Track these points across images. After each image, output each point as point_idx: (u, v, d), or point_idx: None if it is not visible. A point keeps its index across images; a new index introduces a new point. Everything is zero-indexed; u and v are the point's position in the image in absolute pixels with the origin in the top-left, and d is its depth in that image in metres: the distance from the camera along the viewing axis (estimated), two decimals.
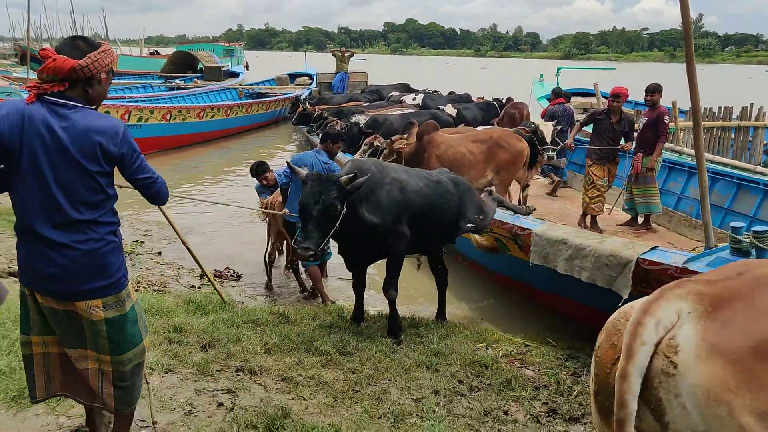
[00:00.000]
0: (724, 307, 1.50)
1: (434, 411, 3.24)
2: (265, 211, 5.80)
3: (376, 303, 5.69)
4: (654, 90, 7.29)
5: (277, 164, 12.07)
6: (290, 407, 3.09)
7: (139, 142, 9.90)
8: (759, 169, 7.57)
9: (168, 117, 13.05)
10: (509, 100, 12.01)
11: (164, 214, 4.40)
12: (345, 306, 5.21)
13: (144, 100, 14.35)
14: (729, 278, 1.59)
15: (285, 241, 6.15)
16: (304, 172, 4.05)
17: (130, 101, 13.79)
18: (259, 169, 6.28)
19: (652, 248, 3.96)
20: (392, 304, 4.51)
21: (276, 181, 6.31)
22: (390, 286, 4.50)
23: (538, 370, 4.07)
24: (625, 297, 3.89)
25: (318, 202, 3.82)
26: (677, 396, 1.46)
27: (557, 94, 9.97)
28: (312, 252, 3.80)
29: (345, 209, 3.93)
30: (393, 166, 4.65)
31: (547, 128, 7.58)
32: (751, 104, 10.53)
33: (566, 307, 5.02)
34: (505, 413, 3.40)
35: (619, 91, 7.15)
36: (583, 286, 4.21)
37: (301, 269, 6.07)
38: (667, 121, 6.97)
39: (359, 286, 4.76)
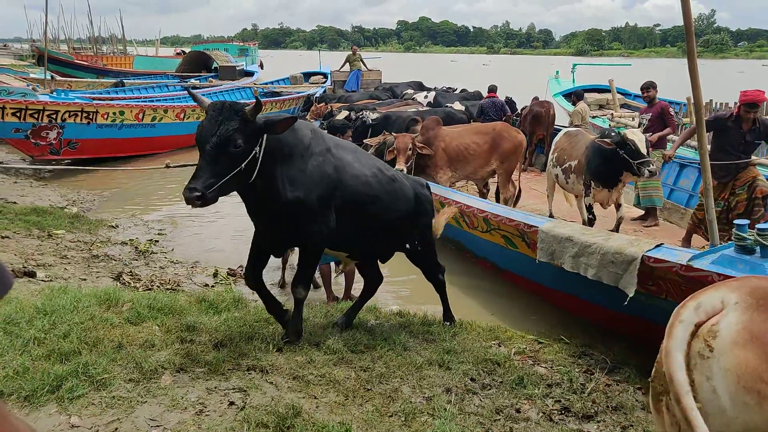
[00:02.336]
0: None
1: (445, 409, 3.22)
2: None
3: (388, 301, 5.69)
4: (648, 87, 7.56)
5: None
6: (301, 406, 3.09)
7: (154, 141, 10.20)
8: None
9: (182, 116, 13.18)
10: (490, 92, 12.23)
11: None
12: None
13: (158, 100, 14.48)
14: None
15: None
16: (207, 101, 3.52)
17: (145, 101, 13.92)
18: None
19: (657, 245, 3.94)
20: (298, 303, 3.93)
21: None
22: (300, 283, 3.88)
23: (551, 367, 4.03)
24: (631, 294, 3.87)
25: (215, 135, 3.20)
26: (709, 378, 1.50)
27: (490, 90, 11.06)
28: (198, 194, 3.11)
29: (259, 156, 3.30)
30: (338, 140, 4.09)
31: (638, 136, 6.10)
32: None
33: (574, 305, 4.99)
34: (518, 411, 3.37)
35: (755, 99, 5.57)
36: (589, 284, 4.17)
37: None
38: (672, 113, 7.13)
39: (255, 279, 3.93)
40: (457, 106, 11.26)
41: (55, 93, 12.51)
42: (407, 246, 4.41)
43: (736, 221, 3.56)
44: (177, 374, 3.33)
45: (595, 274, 4.12)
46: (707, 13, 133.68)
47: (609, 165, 6.13)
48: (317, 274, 5.98)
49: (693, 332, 1.61)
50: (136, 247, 6.60)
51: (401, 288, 6.18)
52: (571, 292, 4.81)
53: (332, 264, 5.67)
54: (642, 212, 7.50)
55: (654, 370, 1.74)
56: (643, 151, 5.93)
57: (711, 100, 10.74)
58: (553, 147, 7.27)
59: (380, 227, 4.09)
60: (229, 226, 7.94)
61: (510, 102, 11.82)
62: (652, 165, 5.94)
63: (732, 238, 3.47)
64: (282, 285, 6.01)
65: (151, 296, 4.49)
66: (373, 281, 4.66)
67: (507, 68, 52.55)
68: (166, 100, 14.74)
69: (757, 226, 3.40)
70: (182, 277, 5.91)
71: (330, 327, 4.38)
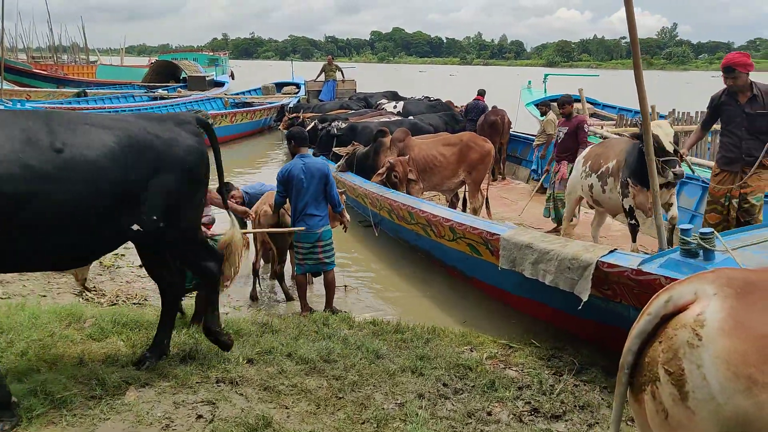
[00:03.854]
0: (754, 291, 1.59)
1: (417, 414, 3.22)
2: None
3: (362, 310, 5.67)
4: (564, 102, 7.58)
5: (262, 173, 12.06)
6: (272, 416, 3.05)
7: None
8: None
9: None
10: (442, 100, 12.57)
11: None
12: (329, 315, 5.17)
13: (123, 111, 14.25)
14: (764, 270, 1.73)
15: (270, 251, 6.10)
16: None
17: (109, 111, 13.66)
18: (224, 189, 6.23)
19: (611, 251, 4.01)
20: None
21: (243, 198, 6.30)
22: None
23: (522, 370, 4.07)
24: (585, 299, 3.92)
25: None
26: (699, 366, 1.53)
27: (479, 93, 12.05)
28: None
29: None
30: None
31: (664, 129, 5.33)
32: None
33: (538, 311, 5.05)
34: (489, 414, 3.39)
35: (728, 61, 4.89)
36: (551, 289, 4.23)
37: (287, 277, 6.03)
38: (586, 130, 7.14)
39: None
40: (389, 107, 11.73)
41: (10, 103, 12.13)
42: (137, 228, 3.15)
43: (680, 226, 3.66)
44: (142, 389, 3.26)
45: (552, 280, 4.18)
46: (670, 27, 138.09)
47: (642, 161, 5.00)
48: (291, 284, 5.93)
49: (657, 324, 1.70)
50: (100, 262, 6.45)
51: (373, 295, 6.17)
52: (534, 297, 4.87)
53: (308, 275, 5.63)
54: (554, 225, 7.52)
55: (634, 365, 1.79)
56: (668, 147, 5.18)
57: (674, 109, 11.05)
58: (583, 159, 6.53)
59: (50, 222, 2.87)
60: None
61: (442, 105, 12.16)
62: (679, 166, 5.19)
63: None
64: (253, 297, 5.93)
65: (115, 311, 4.40)
66: (171, 290, 3.71)
67: (472, 79, 53.47)
68: (131, 110, 14.54)
69: (699, 230, 3.50)
70: (150, 291, 5.79)
71: (303, 337, 4.34)
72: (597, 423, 3.37)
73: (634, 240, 5.83)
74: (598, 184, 6.12)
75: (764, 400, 1.42)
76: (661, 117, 10.25)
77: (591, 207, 6.80)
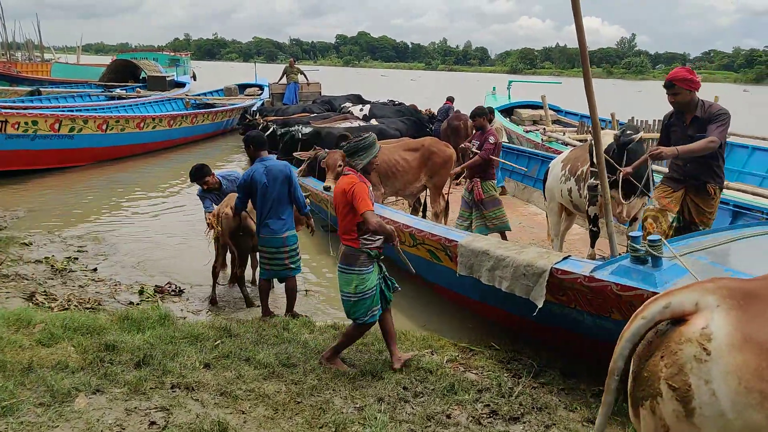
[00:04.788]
0: (757, 302, 1.54)
1: (376, 418, 3.21)
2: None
3: (322, 314, 5.63)
4: (475, 115, 7.11)
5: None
6: (228, 422, 3.00)
7: (72, 153, 9.62)
8: None
9: (104, 127, 12.55)
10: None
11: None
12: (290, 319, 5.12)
13: (79, 110, 13.82)
14: (762, 279, 1.69)
15: (231, 254, 6.00)
16: None
17: (63, 110, 13.21)
18: (198, 174, 6.07)
19: (565, 257, 4.07)
20: None
21: (220, 183, 6.15)
22: None
23: (482, 373, 4.11)
24: (540, 306, 3.96)
25: None
26: (707, 382, 1.48)
27: (447, 99, 12.54)
28: None
29: None
30: None
31: (604, 138, 5.02)
32: None
33: (497, 316, 5.09)
34: (448, 417, 3.41)
35: (673, 77, 4.60)
36: (509, 295, 4.26)
37: (247, 282, 5.95)
38: (492, 141, 6.71)
39: None
40: (356, 111, 11.98)
41: None
42: None
43: (630, 234, 3.73)
44: (93, 396, 3.16)
45: (508, 287, 4.21)
46: (629, 37, 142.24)
47: (610, 167, 5.05)
48: (252, 288, 5.84)
49: (650, 328, 1.68)
50: (52, 266, 6.23)
51: (334, 300, 6.13)
52: (493, 303, 4.92)
53: (272, 280, 5.55)
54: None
55: (631, 378, 1.74)
56: (593, 158, 4.97)
57: (633, 117, 11.36)
58: (561, 163, 6.37)
59: None
60: (156, 242, 7.65)
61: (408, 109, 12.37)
62: (594, 181, 4.99)
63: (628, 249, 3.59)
64: (213, 301, 5.82)
65: (67, 316, 4.25)
66: None
67: (433, 83, 54.15)
68: (88, 110, 14.11)
69: (648, 237, 3.57)
70: (104, 296, 5.62)
71: (262, 341, 4.28)
72: (554, 424, 3.42)
73: (592, 246, 5.90)
74: (576, 189, 5.97)
75: None
76: (621, 124, 10.52)
77: (569, 213, 6.56)
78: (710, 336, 1.51)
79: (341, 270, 4.01)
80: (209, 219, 5.73)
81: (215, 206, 5.87)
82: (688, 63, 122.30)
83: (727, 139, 10.05)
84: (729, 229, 4.53)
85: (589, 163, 5.58)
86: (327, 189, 6.59)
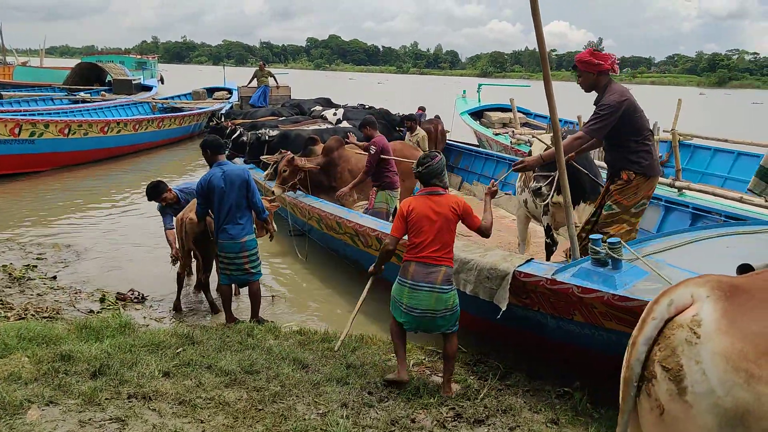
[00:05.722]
0: (741, 294, 1.70)
1: (338, 424, 3.18)
2: None
3: (289, 320, 5.57)
4: (364, 124, 7.08)
5: (193, 180, 11.64)
6: (185, 431, 2.92)
7: (33, 158, 9.35)
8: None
9: (66, 131, 12.23)
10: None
11: None
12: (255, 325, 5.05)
13: (40, 114, 13.45)
14: (745, 277, 1.85)
15: (196, 260, 5.90)
16: None
17: (24, 114, 12.84)
18: (154, 192, 5.96)
19: (527, 260, 4.09)
20: None
21: (177, 197, 6.07)
22: None
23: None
24: (503, 309, 3.97)
25: None
26: (698, 362, 1.62)
27: (419, 108, 12.73)
28: None
29: None
30: None
31: (537, 144, 5.27)
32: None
33: (466, 320, 5.08)
34: (413, 421, 3.40)
35: (576, 59, 4.56)
36: (476, 298, 4.27)
37: (212, 289, 5.85)
38: (372, 152, 6.62)
39: None
40: (329, 114, 11.87)
41: None
42: None
43: (591, 236, 3.79)
44: (46, 408, 3.06)
45: (472, 290, 4.22)
46: (596, 41, 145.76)
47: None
48: (216, 295, 5.75)
49: (661, 327, 1.76)
50: (10, 274, 6.04)
51: (301, 305, 6.08)
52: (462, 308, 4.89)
53: (233, 285, 5.47)
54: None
55: (625, 367, 1.83)
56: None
57: None
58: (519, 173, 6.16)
59: None
60: (119, 249, 7.47)
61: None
62: (536, 184, 5.09)
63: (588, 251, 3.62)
64: (177, 308, 5.71)
65: (22, 326, 4.12)
66: None
67: (400, 87, 54.56)
68: (50, 114, 13.74)
69: (609, 240, 3.63)
70: (63, 304, 5.47)
71: (225, 348, 4.21)
72: (518, 426, 3.43)
73: (547, 259, 5.61)
74: (530, 199, 5.86)
75: (761, 391, 1.52)
76: None
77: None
78: (700, 322, 1.66)
79: (442, 291, 3.81)
80: (172, 241, 5.65)
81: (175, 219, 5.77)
82: (654, 67, 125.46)
83: (690, 141, 10.43)
84: (687, 231, 4.63)
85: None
86: (273, 201, 6.43)
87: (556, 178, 4.97)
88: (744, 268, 3.30)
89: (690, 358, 1.63)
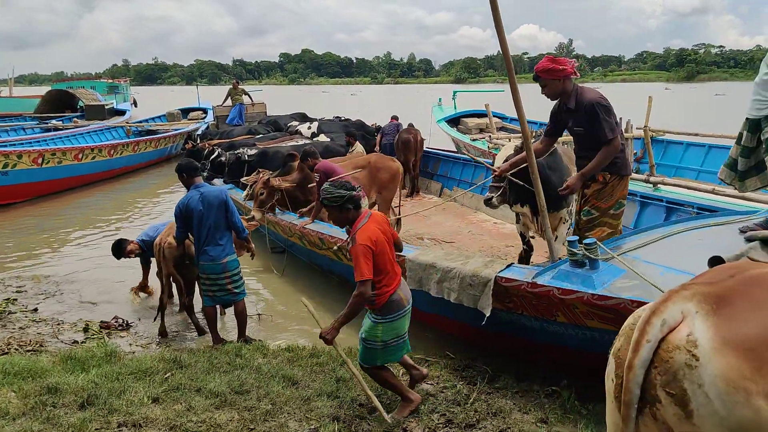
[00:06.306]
0: (726, 305, 1.67)
1: None
2: None
3: (276, 337, 5.56)
4: (304, 157, 7.10)
5: (170, 203, 11.56)
6: None
7: (7, 190, 9.23)
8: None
9: (40, 161, 12.07)
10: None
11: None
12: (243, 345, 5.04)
13: (12, 144, 13.26)
14: (724, 280, 1.78)
15: (177, 284, 5.87)
16: None
17: None
18: (117, 250, 6.06)
19: (508, 266, 4.16)
20: None
21: (140, 247, 6.08)
22: None
23: (437, 383, 4.15)
24: (487, 314, 4.02)
25: None
26: (701, 386, 1.59)
27: (392, 117, 12.49)
28: None
29: None
30: None
31: (501, 152, 5.44)
32: (620, 118, 11.47)
33: (451, 327, 5.14)
34: (405, 430, 3.43)
35: (537, 69, 4.46)
36: (460, 306, 4.31)
37: (197, 310, 5.82)
38: (318, 180, 6.62)
39: None
40: (304, 129, 11.80)
41: None
42: None
43: (568, 238, 3.86)
44: None
45: (456, 298, 4.27)
46: (566, 42, 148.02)
47: (518, 182, 5.07)
48: (201, 317, 5.72)
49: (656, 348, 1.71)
50: None
51: (287, 321, 6.08)
52: (445, 314, 4.95)
53: (217, 307, 5.46)
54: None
55: (616, 383, 1.80)
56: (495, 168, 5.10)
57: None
58: None
59: None
60: (100, 278, 7.39)
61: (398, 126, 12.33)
62: (489, 194, 5.06)
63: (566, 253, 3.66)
64: (162, 333, 5.67)
65: (6, 360, 4.07)
66: None
67: (374, 97, 54.89)
68: (23, 144, 13.57)
69: (585, 241, 3.70)
70: (46, 336, 5.41)
71: (214, 370, 4.20)
72: (509, 428, 3.48)
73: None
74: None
75: (761, 406, 1.53)
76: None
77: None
78: (695, 342, 1.63)
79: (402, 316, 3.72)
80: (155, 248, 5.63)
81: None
82: (624, 65, 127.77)
83: (663, 136, 10.64)
84: (661, 227, 4.71)
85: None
86: (251, 220, 6.56)
87: (507, 189, 5.02)
88: (715, 260, 3.42)
89: (692, 382, 1.61)
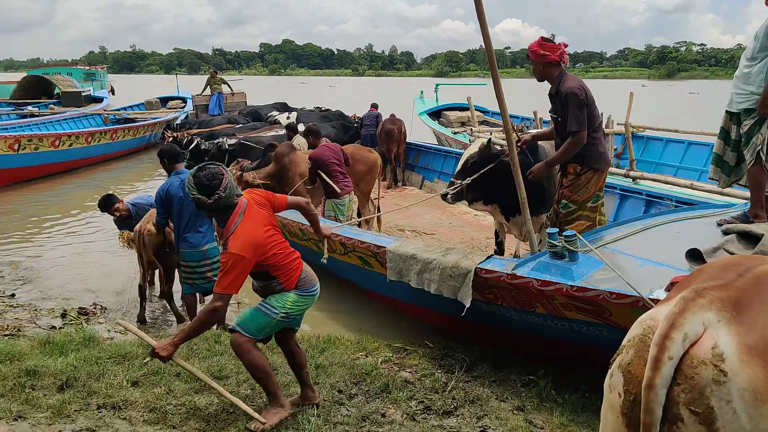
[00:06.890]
0: (745, 309, 1.57)
1: (310, 422, 3.24)
2: None
3: None
4: (307, 133, 7.10)
5: (149, 192, 11.47)
6: None
7: None
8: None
9: (16, 147, 11.89)
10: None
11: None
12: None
13: None
14: (734, 280, 1.67)
15: (157, 270, 5.85)
16: None
17: None
18: (106, 203, 5.98)
19: (488, 257, 4.20)
20: None
21: (129, 210, 6.03)
22: None
23: (415, 371, 4.20)
24: (467, 305, 4.07)
25: None
26: (729, 402, 1.49)
27: (372, 105, 12.39)
28: None
29: None
30: None
31: (469, 150, 5.40)
32: (601, 113, 11.62)
33: (431, 317, 5.19)
34: (383, 416, 3.48)
35: (529, 48, 4.63)
36: (440, 296, 4.36)
37: (176, 298, 5.80)
38: (309, 166, 6.60)
39: None
40: (282, 119, 11.72)
41: None
42: None
43: (548, 230, 3.91)
44: (14, 423, 3.03)
45: (436, 289, 4.31)
46: (549, 37, 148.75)
47: (492, 180, 5.14)
48: (181, 305, 5.72)
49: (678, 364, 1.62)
50: None
51: None
52: (425, 305, 5.00)
53: (197, 294, 5.45)
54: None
55: (626, 398, 1.69)
56: (459, 165, 5.21)
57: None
58: None
59: None
60: (77, 264, 7.32)
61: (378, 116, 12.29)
62: (445, 189, 5.14)
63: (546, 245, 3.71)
64: (142, 320, 5.65)
65: None
66: None
67: (354, 89, 54.81)
68: None
69: (564, 233, 3.75)
70: (24, 322, 5.36)
71: (194, 355, 4.21)
72: (486, 415, 3.54)
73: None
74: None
75: None
76: (545, 123, 10.96)
77: None
78: (722, 356, 1.52)
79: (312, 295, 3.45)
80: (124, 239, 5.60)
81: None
82: (606, 61, 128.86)
83: (643, 133, 10.81)
84: (640, 219, 4.78)
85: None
86: None
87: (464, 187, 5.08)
88: (693, 253, 3.52)
89: (720, 399, 1.50)
